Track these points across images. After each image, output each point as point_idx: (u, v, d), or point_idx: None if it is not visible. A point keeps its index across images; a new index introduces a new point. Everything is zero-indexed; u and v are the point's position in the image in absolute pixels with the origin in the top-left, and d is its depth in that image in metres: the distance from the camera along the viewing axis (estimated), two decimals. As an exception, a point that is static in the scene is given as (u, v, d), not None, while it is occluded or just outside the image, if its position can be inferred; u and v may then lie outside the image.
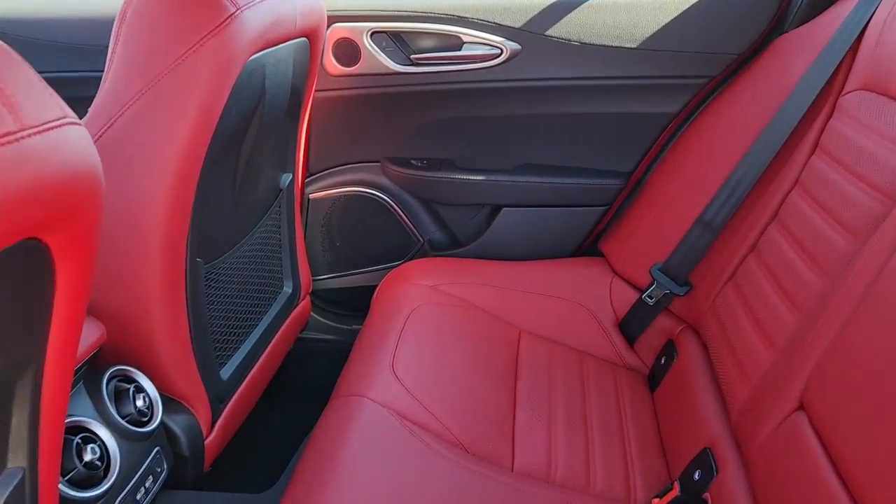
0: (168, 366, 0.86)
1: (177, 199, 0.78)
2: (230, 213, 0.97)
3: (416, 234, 1.40)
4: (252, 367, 1.08)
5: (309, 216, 1.40)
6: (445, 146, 1.33)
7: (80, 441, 0.73)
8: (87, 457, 0.72)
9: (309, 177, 1.38)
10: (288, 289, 1.22)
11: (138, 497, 0.80)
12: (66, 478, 0.69)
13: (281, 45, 0.93)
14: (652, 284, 1.14)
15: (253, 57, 0.84)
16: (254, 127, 0.93)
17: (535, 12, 1.18)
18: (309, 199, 1.39)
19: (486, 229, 1.36)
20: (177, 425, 0.88)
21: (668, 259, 1.12)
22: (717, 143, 1.14)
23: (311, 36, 1.03)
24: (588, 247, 1.38)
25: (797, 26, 1.13)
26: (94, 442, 0.74)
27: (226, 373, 1.00)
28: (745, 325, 0.92)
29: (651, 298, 1.14)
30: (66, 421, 0.73)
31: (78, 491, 0.70)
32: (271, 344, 1.15)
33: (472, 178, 1.31)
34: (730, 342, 0.95)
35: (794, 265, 0.86)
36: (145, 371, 0.85)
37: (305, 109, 1.16)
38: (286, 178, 1.16)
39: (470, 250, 1.38)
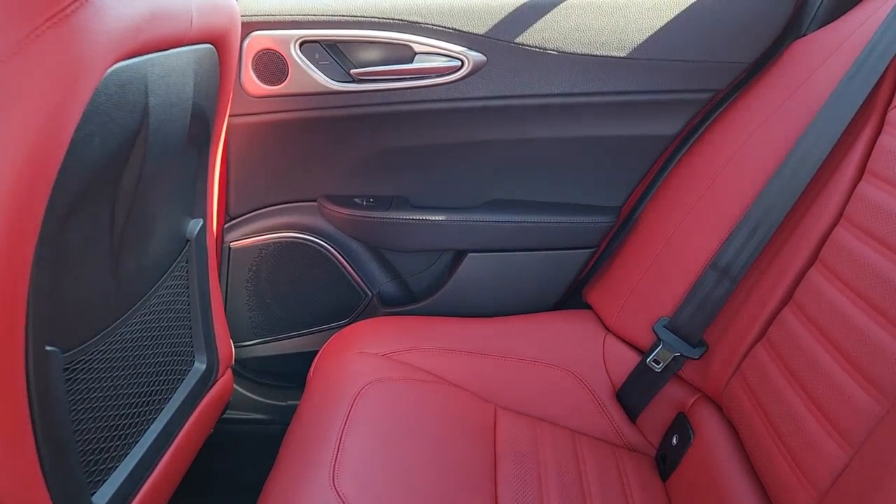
0: None
1: (4, 269, 0.56)
2: (106, 279, 0.75)
3: (363, 287, 1.27)
4: (146, 478, 0.84)
5: (231, 270, 1.25)
6: (396, 181, 1.21)
7: None
8: None
9: (229, 222, 1.23)
10: (201, 364, 1.01)
11: None
12: None
13: (172, 52, 0.73)
14: (657, 345, 0.96)
15: (123, 64, 0.63)
16: (136, 160, 0.73)
17: (503, 15, 1.04)
18: (230, 249, 1.24)
19: (447, 280, 1.23)
20: None
21: (675, 314, 0.95)
22: (727, 169, 0.99)
23: (218, 43, 0.85)
24: (570, 298, 1.24)
25: (817, 29, 1.02)
26: None
27: (102, 497, 0.76)
28: (796, 404, 0.74)
29: (657, 363, 0.96)
30: None
31: None
32: (177, 439, 0.92)
33: (430, 218, 1.18)
34: (774, 425, 0.77)
35: (854, 321, 0.70)
36: None
37: (218, 138, 0.98)
38: (195, 225, 0.96)
39: (428, 306, 1.24)
